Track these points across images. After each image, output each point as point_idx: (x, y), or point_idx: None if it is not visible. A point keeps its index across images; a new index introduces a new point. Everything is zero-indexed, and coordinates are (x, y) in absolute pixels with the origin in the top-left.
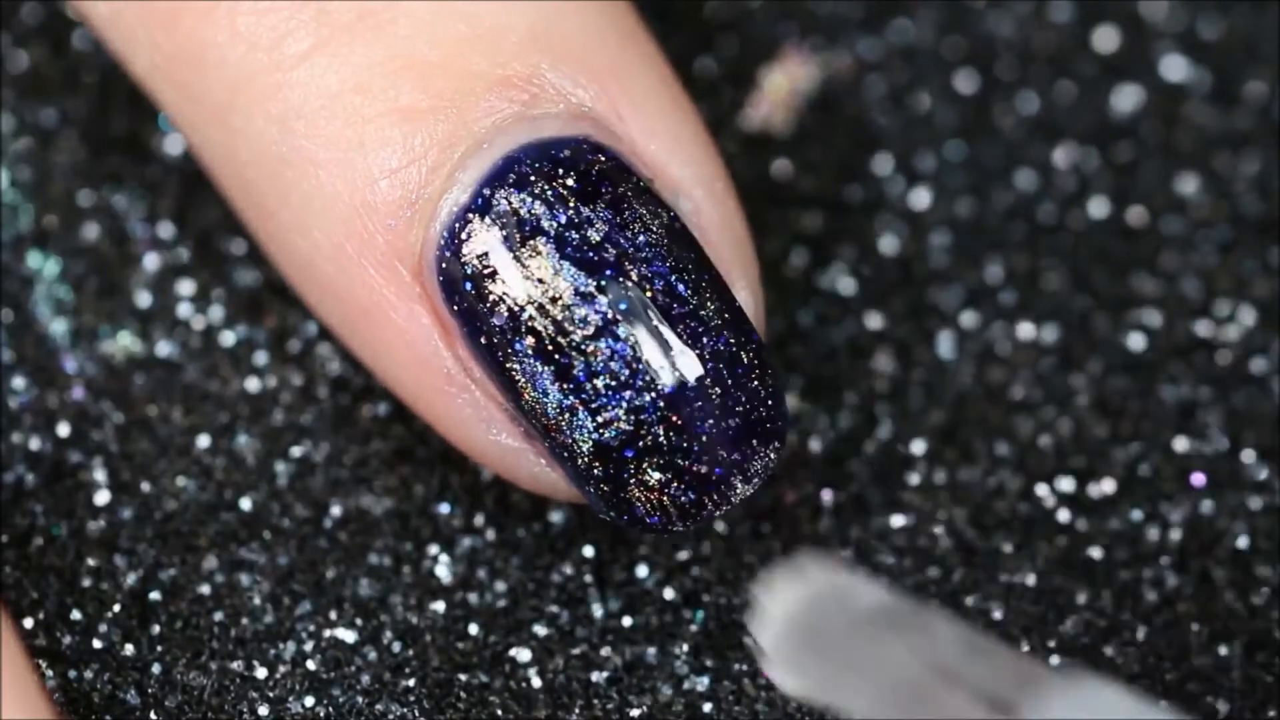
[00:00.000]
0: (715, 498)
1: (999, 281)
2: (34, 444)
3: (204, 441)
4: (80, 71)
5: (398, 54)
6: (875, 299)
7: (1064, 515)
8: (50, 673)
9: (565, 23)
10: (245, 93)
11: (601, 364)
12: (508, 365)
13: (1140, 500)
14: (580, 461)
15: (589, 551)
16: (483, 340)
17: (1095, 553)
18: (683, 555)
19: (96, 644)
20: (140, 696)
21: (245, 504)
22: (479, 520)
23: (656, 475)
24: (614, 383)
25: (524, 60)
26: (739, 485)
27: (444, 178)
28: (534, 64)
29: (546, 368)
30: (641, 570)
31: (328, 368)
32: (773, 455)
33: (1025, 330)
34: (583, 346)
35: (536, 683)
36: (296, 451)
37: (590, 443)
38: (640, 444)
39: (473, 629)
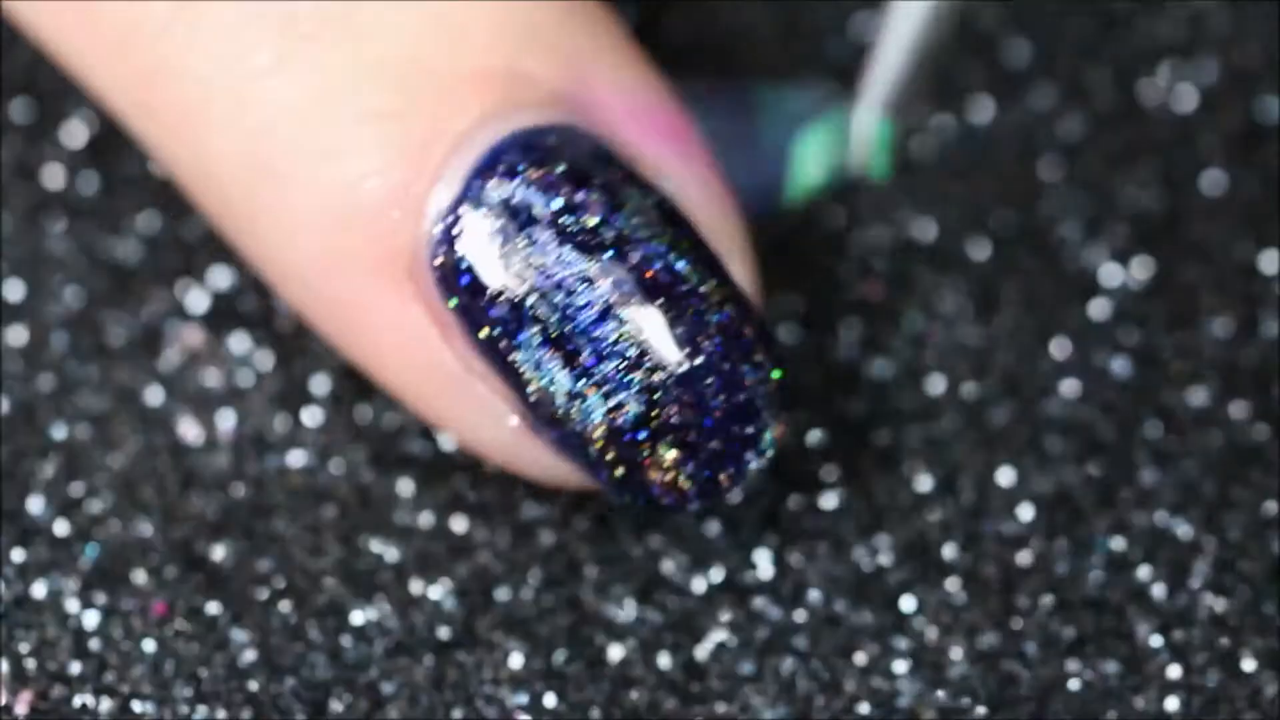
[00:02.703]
0: (730, 473)
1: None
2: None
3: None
4: None
5: (367, 57)
6: (876, 292)
7: None
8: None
9: (535, 12)
10: (211, 109)
11: (609, 347)
12: (511, 358)
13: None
14: (592, 448)
15: (588, 551)
16: (483, 334)
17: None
18: None
19: None
20: None
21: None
22: (479, 520)
23: (670, 455)
24: (623, 365)
25: (498, 52)
26: (752, 459)
27: (429, 175)
28: (507, 54)
29: (553, 355)
30: None
31: (328, 367)
32: (782, 426)
33: None
34: (589, 331)
35: (537, 682)
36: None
37: (603, 427)
38: (652, 425)
39: (475, 627)
